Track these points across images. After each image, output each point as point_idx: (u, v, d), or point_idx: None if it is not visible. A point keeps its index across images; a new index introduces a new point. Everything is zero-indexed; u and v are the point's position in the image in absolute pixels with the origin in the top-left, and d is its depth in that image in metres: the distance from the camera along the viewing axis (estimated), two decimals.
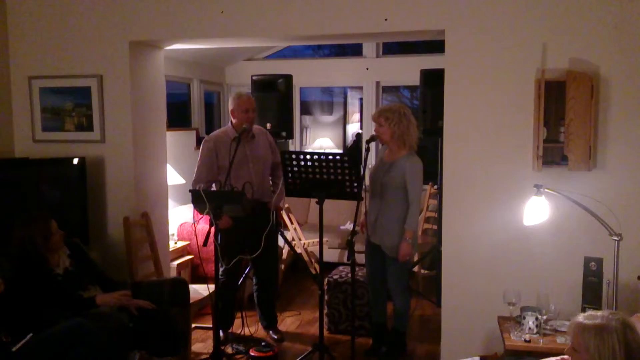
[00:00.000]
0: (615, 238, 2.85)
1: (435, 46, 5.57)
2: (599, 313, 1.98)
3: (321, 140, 7.83)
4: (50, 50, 4.17)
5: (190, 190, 3.63)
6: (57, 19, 4.13)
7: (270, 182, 4.38)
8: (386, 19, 3.63)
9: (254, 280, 4.43)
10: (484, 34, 3.56)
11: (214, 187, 4.12)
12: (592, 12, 3.39)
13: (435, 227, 5.43)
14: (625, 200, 3.35)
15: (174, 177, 4.98)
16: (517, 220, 3.39)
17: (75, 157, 4.02)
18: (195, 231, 3.79)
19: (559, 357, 2.09)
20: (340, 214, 6.30)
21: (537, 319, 2.99)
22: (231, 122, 4.18)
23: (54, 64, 4.17)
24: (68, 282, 3.31)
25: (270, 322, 4.47)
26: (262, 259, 3.97)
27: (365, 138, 6.88)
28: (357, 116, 8.15)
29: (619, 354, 1.89)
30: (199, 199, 3.45)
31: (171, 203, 4.90)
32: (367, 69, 6.87)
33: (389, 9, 3.64)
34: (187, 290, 3.79)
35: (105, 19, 4.06)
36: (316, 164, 3.60)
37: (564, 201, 3.04)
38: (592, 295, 3.05)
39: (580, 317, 2.01)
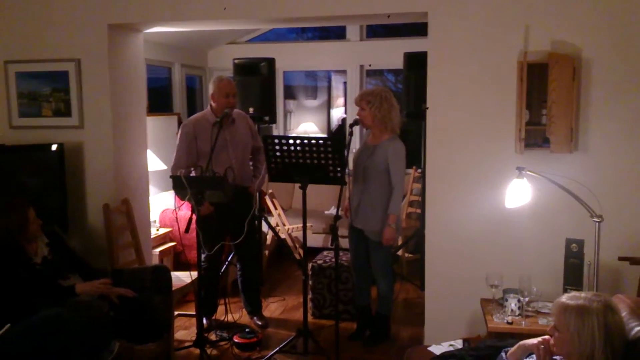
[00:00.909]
0: (596, 220, 2.86)
1: (419, 29, 5.54)
2: (583, 294, 1.98)
3: (305, 125, 7.77)
4: (26, 33, 4.07)
5: (171, 176, 3.59)
6: (34, 2, 4.03)
7: (252, 167, 4.34)
8: None
9: (238, 266, 4.41)
10: (467, 16, 3.53)
11: (193, 173, 4.07)
12: None
13: (419, 210, 5.43)
14: (606, 182, 3.38)
15: (155, 163, 4.91)
16: (499, 203, 3.39)
17: (54, 143, 3.94)
18: (177, 218, 3.74)
19: (540, 338, 2.09)
20: (325, 198, 6.28)
21: (519, 300, 3.01)
22: (210, 105, 4.12)
23: (31, 48, 4.07)
24: (47, 271, 3.24)
25: (254, 308, 4.46)
26: (245, 245, 3.94)
27: (349, 122, 6.85)
28: (341, 100, 8.10)
29: (598, 335, 1.90)
30: (180, 185, 3.40)
31: (153, 189, 4.84)
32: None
33: None
34: (169, 278, 3.74)
35: (83, 1, 3.96)
36: (299, 148, 3.57)
37: (545, 183, 3.04)
38: (573, 276, 3.07)
39: (564, 297, 2.02)
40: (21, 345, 2.78)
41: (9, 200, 3.23)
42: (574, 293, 2.03)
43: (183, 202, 3.51)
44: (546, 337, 2.07)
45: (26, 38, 4.07)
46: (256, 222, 4.77)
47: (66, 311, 2.90)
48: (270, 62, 4.97)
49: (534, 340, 2.10)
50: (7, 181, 3.85)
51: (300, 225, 5.59)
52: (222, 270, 4.55)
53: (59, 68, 4.02)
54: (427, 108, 3.65)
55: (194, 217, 3.48)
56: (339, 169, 3.56)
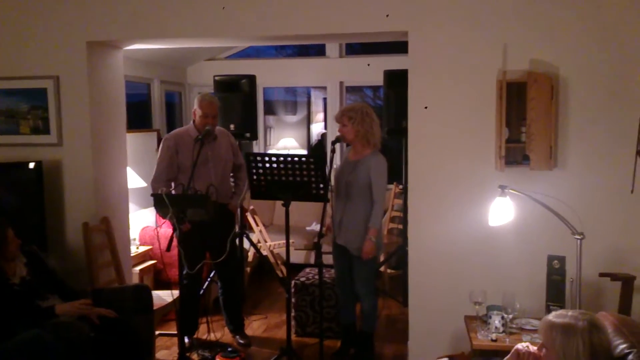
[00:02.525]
0: (578, 237, 2.90)
1: (398, 47, 5.60)
2: (570, 312, 2.00)
3: (285, 140, 7.78)
4: (4, 50, 4.02)
5: (152, 194, 3.55)
6: (11, 18, 3.99)
7: (232, 184, 4.32)
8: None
9: (219, 284, 4.37)
10: (446, 36, 3.59)
11: (173, 189, 4.04)
12: (552, 14, 3.46)
13: (400, 226, 5.46)
14: (586, 199, 3.43)
15: (135, 180, 4.86)
16: (481, 219, 3.42)
17: (32, 161, 3.88)
18: (157, 236, 3.70)
19: (513, 348, 2.13)
20: (306, 215, 6.27)
21: (503, 317, 3.02)
22: (193, 121, 4.12)
23: (8, 65, 4.02)
24: (25, 291, 3.18)
25: (236, 326, 4.41)
26: (226, 262, 3.91)
27: (330, 138, 6.88)
28: (321, 116, 8.13)
29: (583, 354, 1.91)
30: (161, 203, 3.36)
31: (132, 207, 4.78)
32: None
33: (353, 9, 3.63)
34: (150, 297, 3.70)
35: (61, 18, 3.93)
36: (281, 165, 3.57)
37: (527, 201, 3.08)
38: (555, 293, 3.10)
39: (551, 315, 2.04)
40: None
41: None
42: (561, 311, 2.05)
43: (164, 220, 3.46)
44: (518, 346, 2.12)
45: (4, 55, 4.02)
46: (237, 239, 4.74)
47: (46, 333, 2.85)
48: (252, 78, 4.97)
49: (531, 348, 2.14)
50: None
51: (282, 241, 5.59)
52: (204, 288, 4.50)
53: (38, 85, 3.97)
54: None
55: (175, 235, 3.45)
56: (321, 185, 3.56)
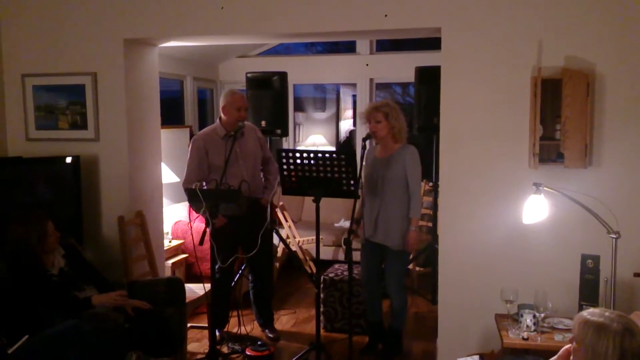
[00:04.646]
0: (613, 236, 2.86)
1: (428, 43, 5.58)
2: (606, 313, 1.98)
3: (314, 137, 7.81)
4: (43, 47, 4.13)
5: (186, 189, 3.62)
6: (51, 16, 4.09)
7: (262, 178, 4.36)
8: (386, 15, 3.62)
9: (250, 278, 4.42)
10: (480, 32, 3.56)
11: (205, 186, 4.09)
12: (588, 10, 3.40)
13: (430, 224, 5.44)
14: (623, 198, 3.36)
15: (168, 175, 4.95)
16: (513, 217, 3.39)
17: (69, 155, 3.98)
18: (191, 230, 3.77)
19: (562, 348, 2.11)
20: (335, 211, 6.29)
21: (534, 316, 3.00)
22: (220, 118, 4.15)
23: (48, 62, 4.13)
24: (63, 282, 3.27)
25: (266, 321, 4.46)
26: (258, 257, 3.96)
27: (359, 135, 6.87)
28: (349, 113, 8.14)
29: (611, 356, 1.89)
30: (195, 198, 3.43)
31: (165, 201, 4.87)
32: (367, 65, 6.84)
33: (386, 6, 3.63)
34: (183, 290, 3.77)
35: (99, 16, 4.02)
36: (312, 161, 3.59)
37: (560, 199, 3.05)
38: (589, 292, 3.07)
39: (588, 312, 2.02)
40: (39, 357, 2.81)
41: (28, 212, 3.27)
42: (599, 310, 2.03)
43: (198, 214, 3.53)
44: (567, 346, 2.10)
45: (43, 52, 4.13)
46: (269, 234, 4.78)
47: (83, 323, 2.93)
48: (283, 75, 5.00)
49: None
50: (24, 193, 3.88)
51: (311, 237, 5.63)
52: (234, 283, 4.56)
53: (76, 81, 4.07)
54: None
55: (208, 229, 3.50)
56: (352, 182, 3.57)
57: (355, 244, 4.13)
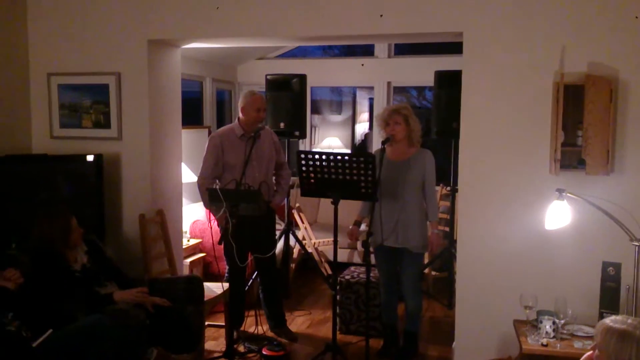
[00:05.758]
0: (636, 243, 2.85)
1: (446, 47, 5.58)
2: (629, 320, 1.98)
3: (330, 139, 7.82)
4: (69, 47, 4.19)
5: (207, 189, 3.65)
6: (77, 17, 4.16)
7: (274, 182, 4.38)
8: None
9: (259, 280, 4.44)
10: (502, 37, 3.56)
11: (217, 184, 4.12)
12: (611, 16, 3.39)
13: (447, 228, 5.43)
14: None
15: (187, 175, 4.98)
16: (534, 223, 3.39)
17: (92, 154, 4.03)
18: (211, 230, 3.81)
19: (584, 355, 2.11)
20: (350, 214, 6.23)
21: (554, 323, 2.99)
22: (238, 119, 4.19)
23: (73, 61, 4.19)
24: (85, 278, 3.32)
25: (277, 322, 4.44)
26: (265, 259, 3.99)
27: (375, 138, 6.88)
28: (365, 116, 8.14)
29: None
30: (214, 197, 3.46)
31: (184, 200, 4.91)
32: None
33: (408, 10, 3.65)
34: (202, 288, 3.80)
35: (124, 17, 4.08)
36: (332, 164, 3.61)
37: (582, 205, 3.04)
38: (609, 300, 3.06)
39: (610, 319, 2.02)
40: (62, 351, 2.85)
41: (53, 208, 3.32)
42: (621, 317, 2.03)
43: (218, 214, 3.56)
44: (589, 353, 2.10)
45: (69, 52, 4.19)
46: (280, 237, 4.81)
47: (106, 318, 2.97)
48: (302, 78, 5.04)
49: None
50: (48, 190, 3.94)
51: (327, 239, 5.65)
52: (251, 283, 4.58)
53: (100, 81, 4.13)
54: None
55: (225, 229, 3.53)
56: (370, 185, 3.59)
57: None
